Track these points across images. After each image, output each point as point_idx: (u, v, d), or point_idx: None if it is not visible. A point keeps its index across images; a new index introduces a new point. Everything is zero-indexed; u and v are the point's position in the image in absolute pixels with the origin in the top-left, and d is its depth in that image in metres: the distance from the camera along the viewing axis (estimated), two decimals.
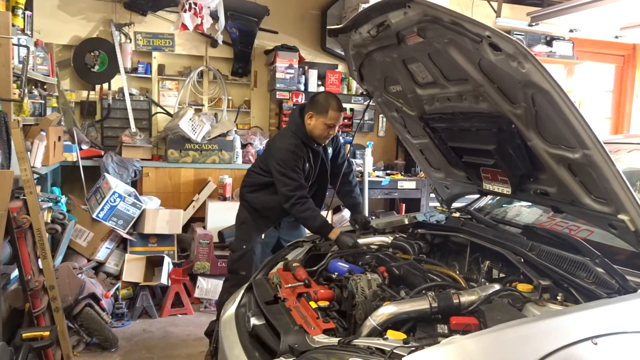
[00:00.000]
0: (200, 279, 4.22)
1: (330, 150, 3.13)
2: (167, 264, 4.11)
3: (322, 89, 5.09)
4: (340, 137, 3.31)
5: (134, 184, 4.48)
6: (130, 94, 4.72)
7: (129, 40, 4.78)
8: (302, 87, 4.99)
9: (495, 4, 5.16)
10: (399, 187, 4.86)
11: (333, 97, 2.95)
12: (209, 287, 4.19)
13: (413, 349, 1.33)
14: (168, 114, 4.89)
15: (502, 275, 1.99)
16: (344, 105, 5.14)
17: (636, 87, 6.18)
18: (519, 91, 1.67)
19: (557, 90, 1.51)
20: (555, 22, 5.32)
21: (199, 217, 4.63)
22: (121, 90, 4.71)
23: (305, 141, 2.92)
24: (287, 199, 2.85)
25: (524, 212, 2.57)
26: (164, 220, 4.19)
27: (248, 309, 1.96)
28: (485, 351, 1.30)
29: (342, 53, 2.78)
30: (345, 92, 5.21)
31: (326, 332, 1.60)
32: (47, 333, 2.47)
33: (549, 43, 5.65)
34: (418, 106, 2.28)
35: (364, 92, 2.60)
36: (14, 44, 3.07)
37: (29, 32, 3.75)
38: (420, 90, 2.17)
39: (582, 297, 1.59)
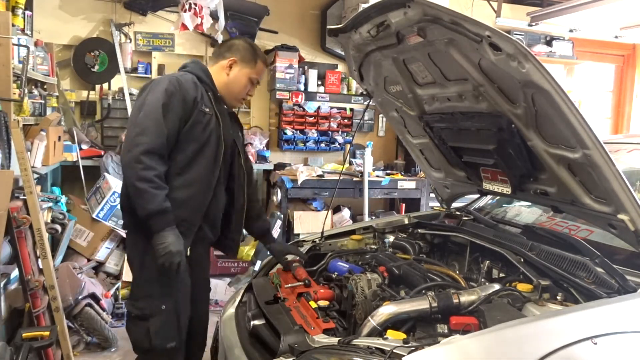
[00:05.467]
0: None
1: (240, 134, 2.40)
2: None
3: (322, 88, 5.10)
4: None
5: None
6: (130, 94, 4.71)
7: (129, 40, 4.78)
8: (302, 87, 4.99)
9: (495, 4, 5.16)
10: (399, 187, 4.85)
11: (258, 47, 2.35)
12: None
13: (413, 348, 1.33)
14: None
15: (502, 275, 1.99)
16: (344, 105, 5.26)
17: (636, 87, 6.18)
18: (519, 91, 1.67)
19: (557, 90, 1.51)
20: (555, 22, 5.31)
21: None
22: (121, 90, 4.71)
23: (209, 86, 2.17)
24: (129, 147, 1.92)
25: (524, 212, 2.56)
26: None
27: (248, 309, 1.96)
28: (485, 351, 1.30)
29: (342, 53, 2.78)
30: (345, 92, 5.21)
31: (326, 332, 1.60)
32: (47, 333, 2.46)
33: (548, 43, 5.65)
34: (418, 106, 2.28)
35: (364, 92, 2.60)
36: (14, 44, 3.06)
37: (29, 32, 3.74)
38: (420, 90, 2.17)
39: (582, 297, 1.59)
